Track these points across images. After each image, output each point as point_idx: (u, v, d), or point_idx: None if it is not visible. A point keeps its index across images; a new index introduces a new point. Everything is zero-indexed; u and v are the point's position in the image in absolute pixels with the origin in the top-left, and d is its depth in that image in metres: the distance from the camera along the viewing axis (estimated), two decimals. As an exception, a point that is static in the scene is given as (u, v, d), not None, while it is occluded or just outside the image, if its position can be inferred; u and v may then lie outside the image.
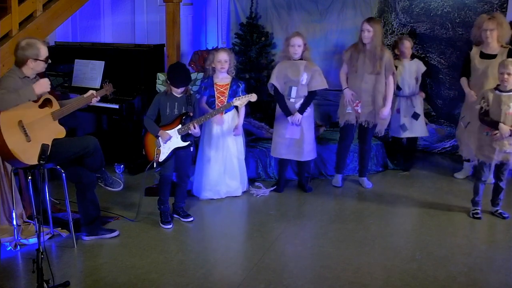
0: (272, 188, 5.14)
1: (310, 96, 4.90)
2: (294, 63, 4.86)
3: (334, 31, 6.26)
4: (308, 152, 5.00)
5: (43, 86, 3.68)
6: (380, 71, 4.93)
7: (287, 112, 4.86)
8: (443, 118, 6.20)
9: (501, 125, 4.21)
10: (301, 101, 4.88)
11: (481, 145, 4.42)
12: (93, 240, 3.99)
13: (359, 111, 5.05)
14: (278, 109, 5.01)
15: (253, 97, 4.43)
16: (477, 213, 4.50)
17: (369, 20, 4.93)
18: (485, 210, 4.61)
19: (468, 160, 5.40)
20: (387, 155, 5.80)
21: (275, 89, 4.90)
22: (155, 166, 4.28)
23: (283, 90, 4.89)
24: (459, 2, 5.86)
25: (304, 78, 4.84)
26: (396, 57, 5.58)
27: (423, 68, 5.59)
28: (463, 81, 5.19)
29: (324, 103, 6.09)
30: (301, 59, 4.87)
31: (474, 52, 5.09)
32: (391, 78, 4.99)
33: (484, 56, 5.00)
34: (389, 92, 5.01)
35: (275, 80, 4.88)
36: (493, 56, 4.96)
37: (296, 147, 4.95)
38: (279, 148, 5.01)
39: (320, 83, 4.88)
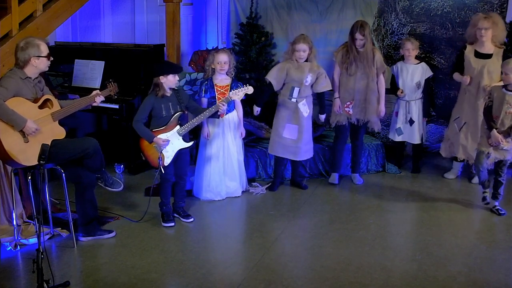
0: (267, 186, 5.17)
1: (320, 97, 5.03)
2: (298, 64, 4.87)
3: (334, 31, 6.25)
4: (305, 152, 5.02)
5: (32, 129, 3.62)
6: (373, 71, 5.04)
7: (259, 103, 4.93)
8: (443, 118, 6.19)
9: (493, 131, 4.36)
10: (303, 101, 4.89)
11: (481, 136, 4.58)
12: (93, 240, 3.99)
13: (350, 112, 5.13)
14: (278, 108, 5.02)
15: (249, 90, 4.40)
16: (484, 198, 4.64)
17: (361, 28, 4.91)
18: (485, 207, 4.65)
19: (456, 159, 5.39)
20: (386, 158, 5.77)
21: (269, 83, 4.91)
22: (163, 171, 4.22)
23: (278, 88, 4.93)
24: (459, 2, 5.85)
25: (309, 79, 4.87)
26: (401, 58, 5.59)
27: (428, 73, 5.45)
28: (456, 74, 5.18)
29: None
30: (306, 61, 4.89)
31: (468, 51, 5.10)
32: (382, 77, 5.15)
33: (479, 55, 5.00)
34: (382, 90, 5.17)
35: (273, 78, 4.90)
36: (489, 56, 4.98)
37: (293, 147, 4.97)
38: (276, 146, 5.03)
39: (326, 85, 4.97)
